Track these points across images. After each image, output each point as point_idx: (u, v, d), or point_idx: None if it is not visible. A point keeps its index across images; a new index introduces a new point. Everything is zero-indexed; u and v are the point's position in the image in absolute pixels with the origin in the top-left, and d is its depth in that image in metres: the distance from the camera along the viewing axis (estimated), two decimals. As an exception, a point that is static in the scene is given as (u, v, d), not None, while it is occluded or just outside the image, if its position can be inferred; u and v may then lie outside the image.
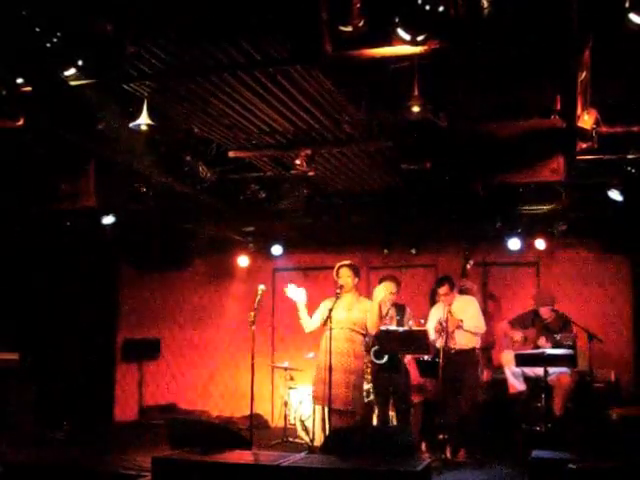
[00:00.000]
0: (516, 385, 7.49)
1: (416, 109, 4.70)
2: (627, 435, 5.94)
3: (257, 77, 4.77)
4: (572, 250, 9.16)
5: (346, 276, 6.53)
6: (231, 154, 6.49)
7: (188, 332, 10.70)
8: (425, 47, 4.01)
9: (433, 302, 7.95)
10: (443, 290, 7.26)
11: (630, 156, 5.90)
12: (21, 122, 4.96)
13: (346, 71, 4.72)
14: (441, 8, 3.76)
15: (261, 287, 6.77)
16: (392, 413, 7.16)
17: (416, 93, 4.63)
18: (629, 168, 6.16)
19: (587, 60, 4.36)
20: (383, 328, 6.67)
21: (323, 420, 6.40)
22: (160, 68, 4.67)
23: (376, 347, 6.99)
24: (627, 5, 3.73)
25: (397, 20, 3.85)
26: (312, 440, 7.48)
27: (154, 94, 5.10)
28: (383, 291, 6.48)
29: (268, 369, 9.57)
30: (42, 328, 9.17)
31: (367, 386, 7.35)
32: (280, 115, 5.50)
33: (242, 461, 4.81)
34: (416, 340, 6.72)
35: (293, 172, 6.59)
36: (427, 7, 3.75)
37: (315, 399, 6.53)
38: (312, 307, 6.63)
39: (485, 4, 3.84)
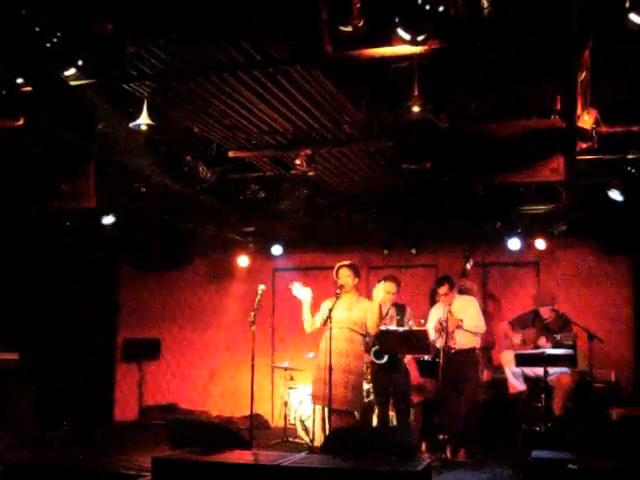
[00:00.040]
0: (516, 385, 7.50)
1: (416, 109, 4.70)
2: (627, 435, 5.94)
3: (257, 77, 4.77)
4: (572, 250, 9.16)
5: (346, 276, 6.53)
6: (231, 154, 6.49)
7: (188, 332, 10.70)
8: (425, 47, 4.01)
9: (433, 302, 7.95)
10: (443, 290, 7.26)
11: (630, 156, 5.91)
12: (21, 122, 4.96)
13: (346, 71, 4.72)
14: (441, 8, 3.76)
15: (261, 287, 6.76)
16: (392, 413, 7.15)
17: (416, 93, 4.63)
18: (629, 168, 6.16)
19: (587, 60, 4.36)
20: (383, 328, 6.67)
21: (323, 420, 6.40)
22: (160, 68, 4.67)
23: (376, 347, 6.99)
24: (627, 5, 3.73)
25: (397, 20, 3.84)
26: (312, 440, 7.48)
27: (154, 94, 5.10)
28: (382, 291, 6.48)
29: (268, 369, 9.58)
30: (42, 328, 9.17)
31: (367, 386, 7.35)
32: (280, 115, 5.50)
33: (242, 461, 4.80)
34: (416, 340, 6.72)
35: (293, 172, 6.59)
36: (427, 7, 3.75)
37: (314, 399, 6.53)
38: (312, 307, 6.63)
39: (485, 4, 3.84)
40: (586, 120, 4.83)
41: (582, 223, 8.19)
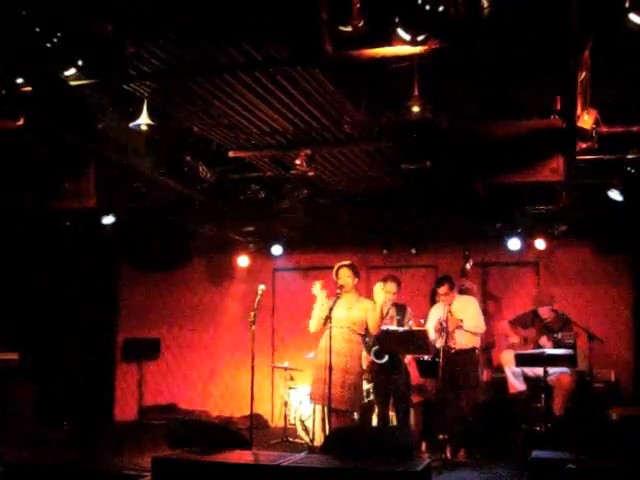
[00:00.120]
0: (516, 385, 7.50)
1: (416, 109, 4.70)
2: (627, 435, 5.93)
3: (257, 77, 4.77)
4: (572, 250, 9.16)
5: (346, 276, 6.53)
6: (231, 154, 6.49)
7: (188, 332, 10.70)
8: (425, 47, 4.01)
9: (433, 302, 7.95)
10: (443, 290, 7.26)
11: (630, 156, 5.91)
12: (21, 122, 4.96)
13: (346, 71, 4.72)
14: (441, 8, 3.76)
15: (261, 287, 6.77)
16: (392, 413, 7.15)
17: (416, 93, 4.64)
18: (629, 168, 6.16)
19: (587, 60, 4.36)
20: (383, 328, 6.67)
21: (323, 420, 6.40)
22: (160, 68, 4.67)
23: (376, 347, 6.99)
24: (627, 5, 3.73)
25: (397, 20, 3.84)
26: (312, 440, 7.48)
27: (154, 94, 5.10)
28: (382, 292, 6.48)
29: (268, 369, 9.57)
30: (42, 328, 9.17)
31: (367, 386, 7.35)
32: (280, 115, 5.50)
33: (242, 461, 4.81)
34: (416, 340, 6.73)
35: (293, 172, 6.59)
36: (427, 7, 3.75)
37: (313, 398, 6.53)
38: (313, 307, 6.63)
39: (485, 4, 3.84)
40: (586, 120, 4.83)
41: (582, 223, 8.19)
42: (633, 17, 3.73)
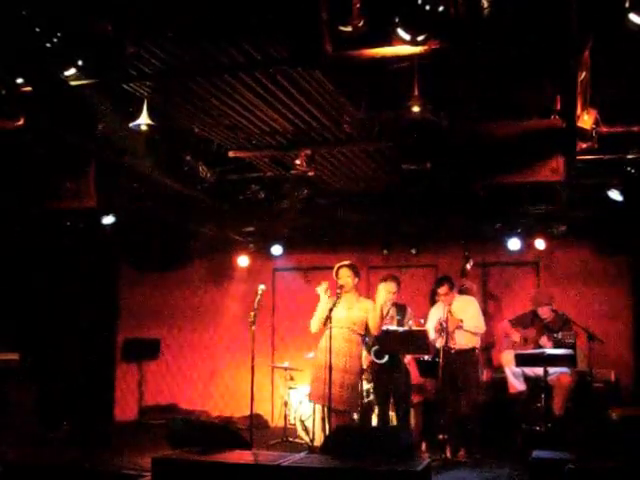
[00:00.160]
0: (516, 385, 7.49)
1: (416, 109, 4.70)
2: (627, 435, 5.93)
3: (257, 77, 4.77)
4: (572, 250, 9.15)
5: (346, 276, 6.54)
6: (231, 154, 6.49)
7: (188, 332, 10.69)
8: (425, 47, 4.01)
9: (433, 302, 7.95)
10: (443, 290, 7.26)
11: (630, 156, 5.91)
12: (21, 122, 4.96)
13: (346, 71, 4.72)
14: (441, 8, 3.76)
15: (261, 287, 6.77)
16: (392, 413, 7.15)
17: (416, 93, 4.64)
18: (629, 168, 6.17)
19: (587, 60, 4.37)
20: (383, 328, 6.67)
21: (323, 420, 6.40)
22: (160, 68, 4.67)
23: (376, 347, 6.99)
24: (627, 5, 3.74)
25: (397, 20, 3.85)
26: (312, 440, 7.48)
27: (154, 94, 5.10)
28: (384, 292, 6.48)
29: (268, 369, 9.57)
30: (42, 328, 9.16)
31: (367, 386, 7.35)
32: (280, 115, 5.50)
33: (242, 461, 4.81)
34: (416, 340, 6.72)
35: (293, 172, 6.59)
36: (427, 7, 3.76)
37: (312, 398, 6.53)
38: (313, 307, 6.64)
39: (485, 4, 3.85)
40: (586, 120, 4.84)
41: (582, 223, 8.19)
42: (633, 17, 3.74)
